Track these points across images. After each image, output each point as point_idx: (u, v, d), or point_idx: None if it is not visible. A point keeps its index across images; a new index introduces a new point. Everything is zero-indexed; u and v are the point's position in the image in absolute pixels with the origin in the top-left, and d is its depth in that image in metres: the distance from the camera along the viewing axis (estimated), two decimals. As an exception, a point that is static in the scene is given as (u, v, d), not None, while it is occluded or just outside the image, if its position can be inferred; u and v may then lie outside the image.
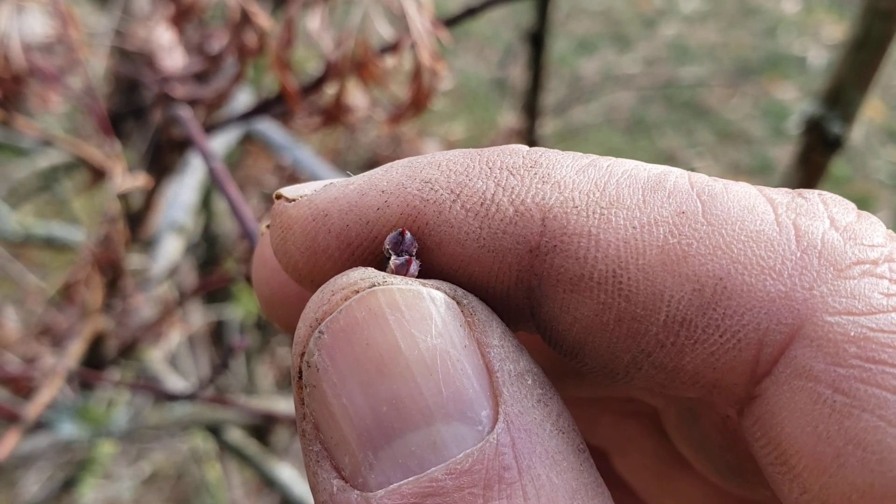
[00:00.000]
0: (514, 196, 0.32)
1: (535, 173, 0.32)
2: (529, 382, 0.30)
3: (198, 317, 1.66)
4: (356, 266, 0.33)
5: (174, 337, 1.21)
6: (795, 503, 0.30)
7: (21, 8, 0.91)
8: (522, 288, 0.32)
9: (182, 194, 1.17)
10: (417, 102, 0.72)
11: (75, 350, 0.82)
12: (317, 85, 0.77)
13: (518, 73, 2.28)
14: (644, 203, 0.31)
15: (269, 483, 1.13)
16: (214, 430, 1.14)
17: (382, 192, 0.33)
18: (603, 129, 4.58)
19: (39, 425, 0.96)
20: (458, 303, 0.31)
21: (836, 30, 5.39)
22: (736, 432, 0.39)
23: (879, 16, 0.88)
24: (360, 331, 0.30)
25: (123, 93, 1.49)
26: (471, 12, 0.76)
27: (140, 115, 1.41)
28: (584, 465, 0.30)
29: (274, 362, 2.33)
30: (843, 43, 0.96)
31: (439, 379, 0.29)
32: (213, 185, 1.78)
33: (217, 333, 1.93)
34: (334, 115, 0.77)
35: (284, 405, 1.24)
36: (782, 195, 0.32)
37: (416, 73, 0.71)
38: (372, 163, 2.11)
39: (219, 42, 0.83)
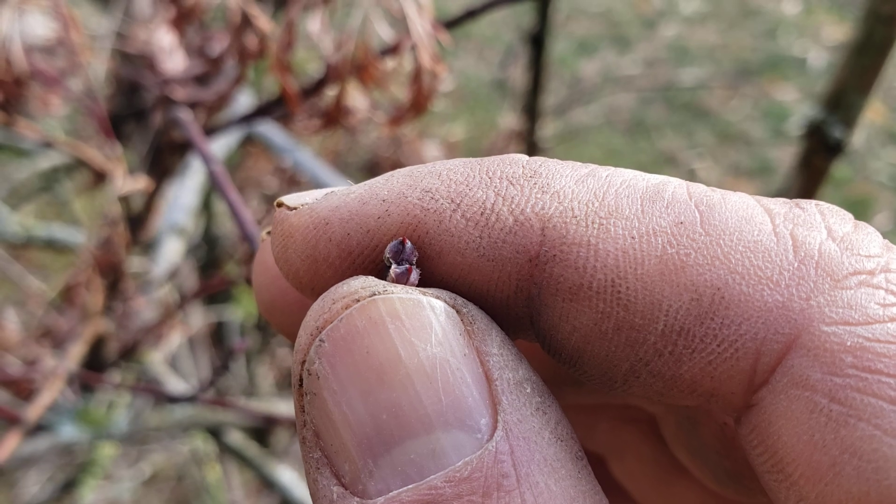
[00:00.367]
0: (513, 206, 0.32)
1: (535, 183, 0.32)
2: (528, 391, 0.30)
3: (198, 318, 1.66)
4: (357, 275, 0.33)
5: (174, 339, 1.21)
6: None
7: (22, 10, 0.91)
8: (522, 297, 0.32)
9: (182, 196, 1.17)
10: (418, 104, 0.72)
11: (76, 352, 0.82)
12: (317, 87, 0.77)
13: (518, 75, 2.28)
14: (643, 213, 0.31)
15: (269, 485, 1.13)
16: (215, 432, 1.14)
17: (383, 200, 0.34)
18: (603, 131, 4.58)
19: (40, 427, 0.96)
20: (457, 311, 0.31)
21: (836, 31, 5.39)
22: (733, 439, 0.39)
23: (881, 20, 0.88)
24: (361, 339, 0.30)
25: (124, 95, 1.49)
26: (471, 14, 0.76)
27: (141, 118, 1.41)
28: (581, 473, 0.30)
29: (274, 363, 2.33)
30: (844, 46, 0.96)
31: (439, 387, 0.29)
32: (213, 187, 1.78)
33: (217, 334, 1.93)
34: (334, 117, 0.77)
35: (284, 407, 1.24)
36: (780, 206, 0.32)
37: (417, 75, 0.71)
38: (372, 164, 2.11)
39: (219, 44, 0.83)
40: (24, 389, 0.85)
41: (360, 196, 0.34)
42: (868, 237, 0.31)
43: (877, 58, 0.91)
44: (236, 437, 1.16)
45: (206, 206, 1.66)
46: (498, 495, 0.28)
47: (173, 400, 0.75)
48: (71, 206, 2.20)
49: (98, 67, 0.99)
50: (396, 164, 2.05)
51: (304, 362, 0.31)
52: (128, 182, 0.85)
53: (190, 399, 0.72)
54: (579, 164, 0.34)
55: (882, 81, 0.95)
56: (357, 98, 0.77)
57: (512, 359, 0.31)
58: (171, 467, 2.64)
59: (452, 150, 2.48)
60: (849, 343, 0.28)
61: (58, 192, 2.00)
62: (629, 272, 0.30)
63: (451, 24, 0.76)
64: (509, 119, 2.42)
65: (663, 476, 0.46)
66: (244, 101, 1.31)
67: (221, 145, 1.30)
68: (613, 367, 0.32)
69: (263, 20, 0.80)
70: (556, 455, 0.29)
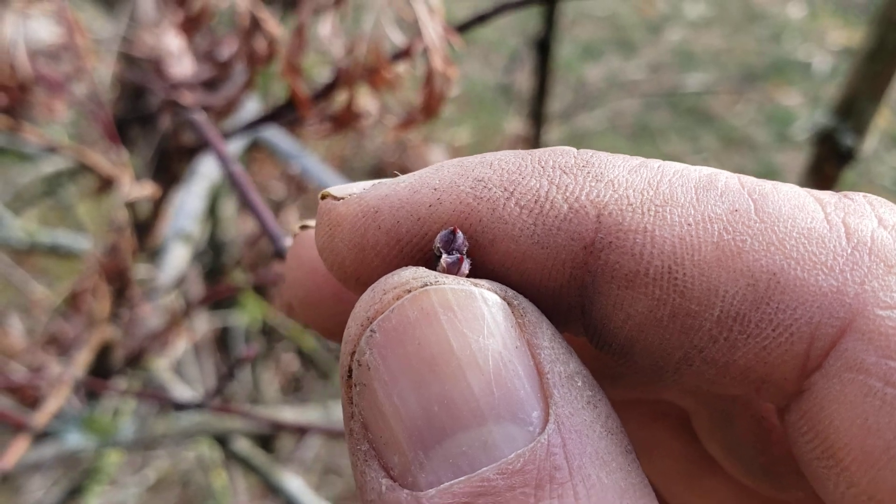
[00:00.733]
0: (568, 194, 0.32)
1: (588, 172, 0.33)
2: (579, 384, 0.30)
3: (203, 324, 1.65)
4: (405, 265, 0.33)
5: (180, 345, 1.20)
6: (841, 498, 0.30)
7: (27, 15, 0.90)
8: (575, 286, 0.32)
9: (189, 202, 1.15)
10: (429, 107, 0.71)
11: (82, 359, 0.81)
12: (328, 91, 0.76)
13: (524, 80, 2.27)
14: (697, 201, 0.31)
15: (275, 492, 1.12)
16: (222, 439, 1.13)
17: (435, 189, 0.34)
18: (608, 135, 4.57)
19: (46, 434, 0.95)
20: (509, 304, 0.31)
21: (841, 35, 5.38)
22: (770, 433, 0.39)
23: (894, 26, 0.87)
24: (413, 330, 0.30)
25: (129, 99, 1.48)
26: (482, 18, 0.75)
27: (146, 122, 1.40)
28: (631, 466, 0.30)
29: (279, 369, 2.32)
30: (854, 52, 0.95)
31: (491, 379, 0.29)
32: (219, 193, 1.77)
33: (222, 340, 1.92)
34: (345, 121, 0.76)
35: (290, 414, 1.23)
36: (829, 196, 0.32)
37: (429, 79, 0.70)
38: (378, 169, 2.10)
39: (228, 49, 0.83)
40: (29, 396, 0.84)
41: (411, 185, 0.34)
42: None
43: (889, 64, 0.90)
44: (243, 445, 1.15)
45: (211, 212, 1.66)
46: (551, 487, 0.28)
47: (180, 407, 0.74)
48: (75, 210, 2.19)
49: (103, 72, 0.98)
50: (402, 169, 2.04)
51: (353, 353, 0.31)
52: (135, 188, 0.84)
53: (197, 406, 0.71)
54: (629, 156, 0.34)
55: (894, 88, 0.94)
56: (368, 102, 0.76)
57: (563, 352, 0.31)
58: (176, 473, 2.63)
59: (458, 155, 2.47)
60: None
61: (62, 197, 2.00)
62: (686, 258, 0.30)
63: (462, 28, 0.75)
64: (515, 123, 2.41)
65: (694, 472, 0.46)
66: (252, 106, 1.31)
67: (230, 151, 1.29)
68: (667, 355, 0.32)
69: (273, 24, 0.79)
70: (607, 448, 0.29)
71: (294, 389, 2.48)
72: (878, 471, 0.28)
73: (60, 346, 0.87)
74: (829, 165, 0.98)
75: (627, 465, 0.30)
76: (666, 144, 4.56)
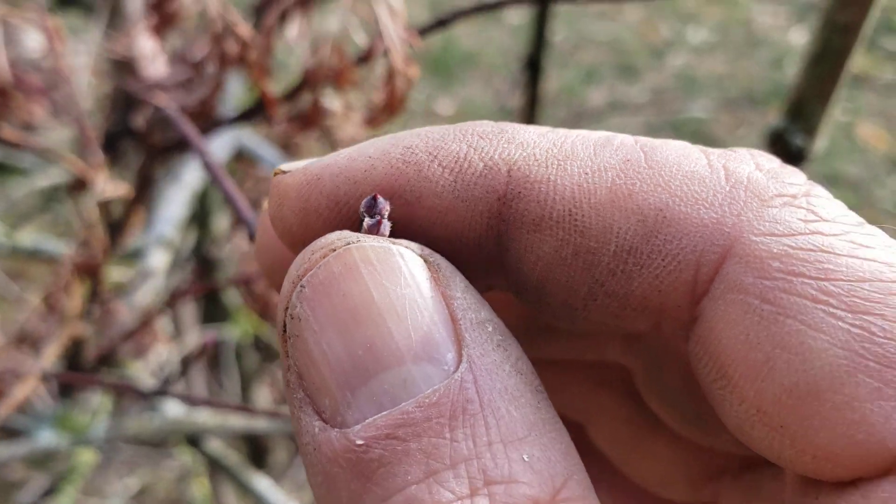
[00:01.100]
0: (483, 153, 0.36)
1: (502, 137, 0.37)
2: (490, 329, 0.33)
3: (193, 337, 1.66)
4: (344, 228, 0.37)
5: (161, 352, 1.21)
6: (736, 417, 0.33)
7: (7, 24, 0.92)
8: (493, 234, 0.36)
9: (170, 209, 1.17)
10: (391, 105, 0.73)
11: (51, 352, 0.82)
12: (296, 91, 0.78)
13: (517, 100, 2.28)
14: (595, 155, 0.35)
15: (248, 494, 1.13)
16: (194, 441, 1.13)
17: (369, 157, 0.38)
18: (609, 159, 4.59)
19: (18, 433, 0.95)
20: (424, 260, 0.34)
21: (843, 61, 5.40)
22: (694, 378, 0.42)
23: (837, 29, 0.89)
24: (338, 283, 0.33)
25: (121, 111, 1.50)
26: (441, 23, 0.77)
27: (136, 134, 1.42)
28: (541, 404, 0.33)
29: (274, 385, 2.33)
30: (803, 56, 0.97)
31: (409, 325, 0.32)
32: (211, 208, 1.79)
33: (214, 357, 1.93)
34: (312, 119, 0.78)
35: (280, 421, 1.23)
36: (715, 149, 0.37)
37: (390, 78, 0.71)
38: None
39: (201, 50, 0.84)
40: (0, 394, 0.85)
41: (349, 155, 0.38)
42: (793, 172, 0.35)
43: (834, 66, 0.92)
44: (216, 446, 1.16)
45: (202, 225, 1.67)
46: (463, 418, 0.31)
47: (144, 396, 0.75)
48: (73, 224, 2.21)
49: (84, 77, 1.00)
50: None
51: (287, 308, 0.34)
52: (108, 187, 0.85)
53: (160, 393, 0.72)
54: (542, 127, 0.38)
55: (841, 89, 0.96)
56: (334, 101, 0.78)
57: (474, 302, 0.34)
58: (159, 482, 2.63)
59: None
60: (775, 250, 0.32)
61: (59, 211, 2.02)
62: (584, 202, 0.34)
63: (424, 31, 0.76)
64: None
65: (642, 435, 0.48)
66: (230, 111, 1.32)
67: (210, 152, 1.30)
68: (574, 291, 0.36)
69: (243, 27, 0.81)
70: (515, 386, 0.32)
71: (287, 403, 2.47)
72: (761, 382, 0.31)
73: (34, 344, 0.88)
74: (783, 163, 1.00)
75: (537, 402, 0.33)
76: (668, 168, 4.58)
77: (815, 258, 0.31)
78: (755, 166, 0.35)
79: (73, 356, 0.94)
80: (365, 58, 0.72)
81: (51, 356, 0.82)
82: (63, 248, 1.23)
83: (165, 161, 0.94)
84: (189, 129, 0.77)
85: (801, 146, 0.94)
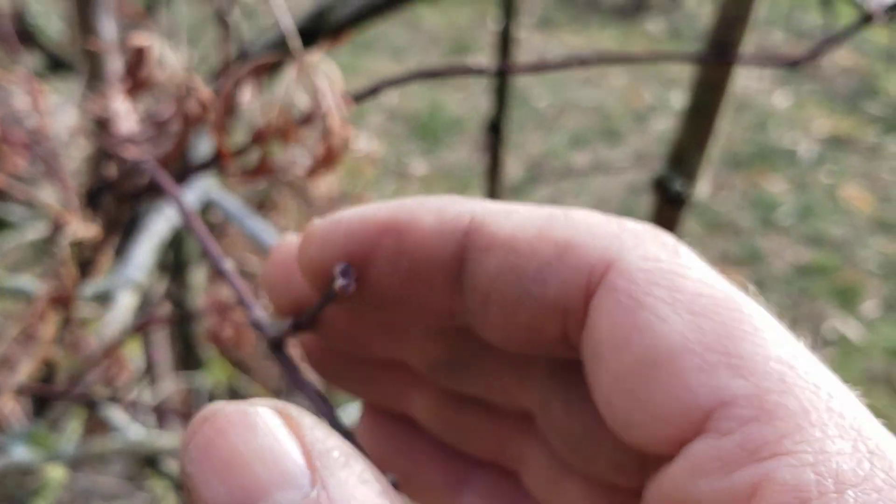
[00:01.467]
0: (455, 205, 0.48)
1: (468, 200, 0.49)
2: (336, 455, 0.42)
3: (169, 385, 1.73)
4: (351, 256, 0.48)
5: (132, 387, 1.28)
6: (605, 392, 0.43)
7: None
8: (457, 256, 0.48)
9: (139, 255, 1.26)
10: (329, 159, 0.82)
11: (24, 369, 0.90)
12: (247, 147, 0.87)
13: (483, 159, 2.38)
14: (530, 211, 0.48)
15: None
16: (153, 461, 1.20)
17: (376, 208, 0.49)
18: (595, 219, 4.67)
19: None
20: (277, 411, 0.43)
21: (826, 124, 5.52)
22: (588, 412, 0.50)
23: (708, 87, 0.99)
24: (213, 444, 0.42)
25: (101, 166, 1.59)
26: (373, 91, 0.88)
27: (118, 190, 1.50)
28: (385, 500, 0.41)
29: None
30: (682, 111, 1.07)
31: (271, 465, 0.41)
32: (190, 259, 1.87)
33: (187, 403, 1.99)
34: (261, 171, 0.87)
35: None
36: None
37: (326, 137, 0.81)
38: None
39: (167, 110, 0.94)
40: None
41: (368, 207, 0.49)
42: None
43: (707, 120, 1.03)
44: (174, 466, 1.22)
45: (176, 275, 1.75)
46: None
47: (92, 405, 0.83)
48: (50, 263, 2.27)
49: (66, 134, 1.09)
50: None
51: (182, 469, 0.43)
52: (80, 229, 0.94)
53: (112, 399, 0.79)
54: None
55: (715, 140, 1.07)
56: (282, 156, 0.87)
57: (322, 435, 0.43)
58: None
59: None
60: (644, 267, 0.43)
61: (49, 264, 2.08)
62: (519, 235, 0.46)
63: (360, 97, 0.87)
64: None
65: (555, 477, 0.55)
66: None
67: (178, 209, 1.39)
68: (508, 297, 0.47)
69: (204, 90, 0.91)
70: (362, 493, 0.41)
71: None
72: (620, 354, 0.42)
73: (10, 367, 0.96)
74: (664, 209, 1.12)
75: (381, 500, 0.41)
76: (652, 229, 4.66)
77: (671, 277, 0.42)
78: (643, 225, 0.46)
79: (46, 380, 1.02)
80: (306, 120, 0.82)
81: (25, 374, 0.91)
82: (40, 287, 1.30)
83: (134, 207, 1.03)
84: (162, 177, 0.86)
85: (680, 191, 1.04)
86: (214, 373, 1.75)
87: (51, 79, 2.04)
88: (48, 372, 0.98)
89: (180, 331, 1.96)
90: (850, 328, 4.05)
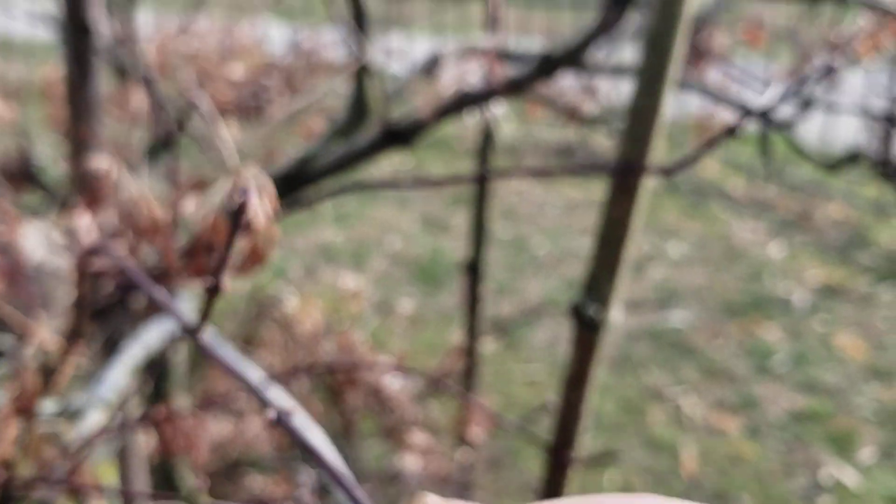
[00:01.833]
0: None
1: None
2: None
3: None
4: None
5: None
6: None
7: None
8: None
9: (113, 375, 1.34)
10: (254, 259, 0.92)
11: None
12: (189, 252, 0.97)
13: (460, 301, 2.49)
14: None
15: None
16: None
17: None
18: (591, 366, 4.73)
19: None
20: None
21: (819, 273, 5.63)
22: None
23: (613, 223, 1.10)
24: None
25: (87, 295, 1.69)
26: (308, 204, 0.98)
27: (101, 314, 1.60)
28: None
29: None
30: (594, 242, 1.18)
31: None
32: (171, 388, 1.95)
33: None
34: (199, 271, 0.97)
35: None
36: None
37: (252, 237, 0.91)
38: (329, 375, 2.28)
39: (123, 223, 1.04)
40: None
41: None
42: None
43: (616, 250, 1.13)
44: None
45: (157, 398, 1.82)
46: None
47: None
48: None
49: (39, 251, 1.20)
50: (349, 378, 2.22)
51: None
52: (45, 341, 1.03)
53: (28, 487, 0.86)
54: None
55: (623, 269, 1.18)
56: (216, 258, 0.97)
57: None
58: None
59: (402, 365, 2.66)
60: None
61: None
62: None
63: (284, 206, 0.97)
64: (456, 337, 2.60)
65: None
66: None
67: (154, 336, 1.48)
68: None
69: (155, 207, 1.02)
70: None
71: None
72: None
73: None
74: (582, 334, 1.20)
75: None
76: (647, 376, 4.71)
77: None
78: None
79: (5, 484, 1.08)
80: (237, 224, 0.92)
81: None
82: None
83: (106, 322, 1.13)
84: (144, 279, 0.96)
85: (594, 317, 1.13)
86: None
87: (49, 215, 2.19)
88: (8, 475, 1.04)
89: (160, 460, 2.01)
90: (846, 475, 4.03)
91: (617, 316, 1.16)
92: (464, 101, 1.67)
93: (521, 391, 4.51)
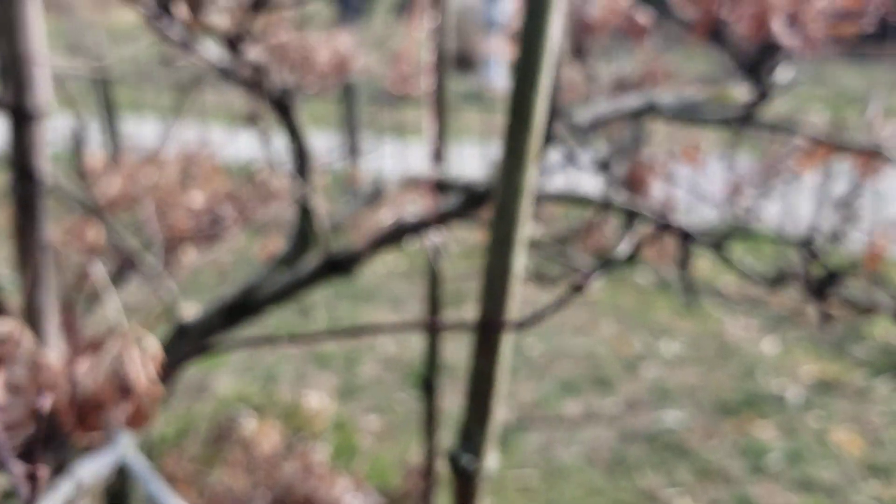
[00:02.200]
0: None
1: None
2: None
3: None
4: None
5: None
6: None
7: None
8: None
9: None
10: (138, 418, 0.97)
11: None
12: (81, 410, 1.02)
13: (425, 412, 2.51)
14: None
15: None
16: None
17: None
18: (584, 469, 4.70)
19: None
20: None
21: (813, 369, 5.61)
22: None
23: (479, 376, 1.12)
24: None
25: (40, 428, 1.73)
26: (205, 349, 1.03)
27: (54, 446, 1.64)
28: None
29: None
30: (465, 393, 1.20)
31: None
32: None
33: None
34: (90, 428, 1.02)
35: None
36: None
37: (134, 398, 0.95)
38: (284, 498, 2.29)
39: (24, 383, 1.09)
40: None
41: None
42: None
43: (485, 402, 1.15)
44: None
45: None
46: None
47: None
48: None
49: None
50: (308, 498, 2.23)
51: None
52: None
53: None
54: None
55: (494, 419, 1.20)
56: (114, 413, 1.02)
57: None
58: None
59: (362, 485, 2.67)
60: None
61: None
62: None
63: (172, 365, 1.02)
64: (420, 452, 2.61)
65: None
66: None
67: (90, 471, 1.51)
68: None
69: (50, 361, 1.07)
70: None
71: None
72: None
73: None
74: (459, 483, 1.21)
75: None
76: (642, 479, 4.67)
77: None
78: None
79: None
80: (125, 389, 0.97)
81: None
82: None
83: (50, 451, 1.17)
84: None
85: (467, 467, 1.15)
86: None
87: None
88: None
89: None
90: (843, 578, 3.96)
91: (491, 463, 1.19)
92: (401, 232, 1.73)
93: (515, 498, 4.48)
